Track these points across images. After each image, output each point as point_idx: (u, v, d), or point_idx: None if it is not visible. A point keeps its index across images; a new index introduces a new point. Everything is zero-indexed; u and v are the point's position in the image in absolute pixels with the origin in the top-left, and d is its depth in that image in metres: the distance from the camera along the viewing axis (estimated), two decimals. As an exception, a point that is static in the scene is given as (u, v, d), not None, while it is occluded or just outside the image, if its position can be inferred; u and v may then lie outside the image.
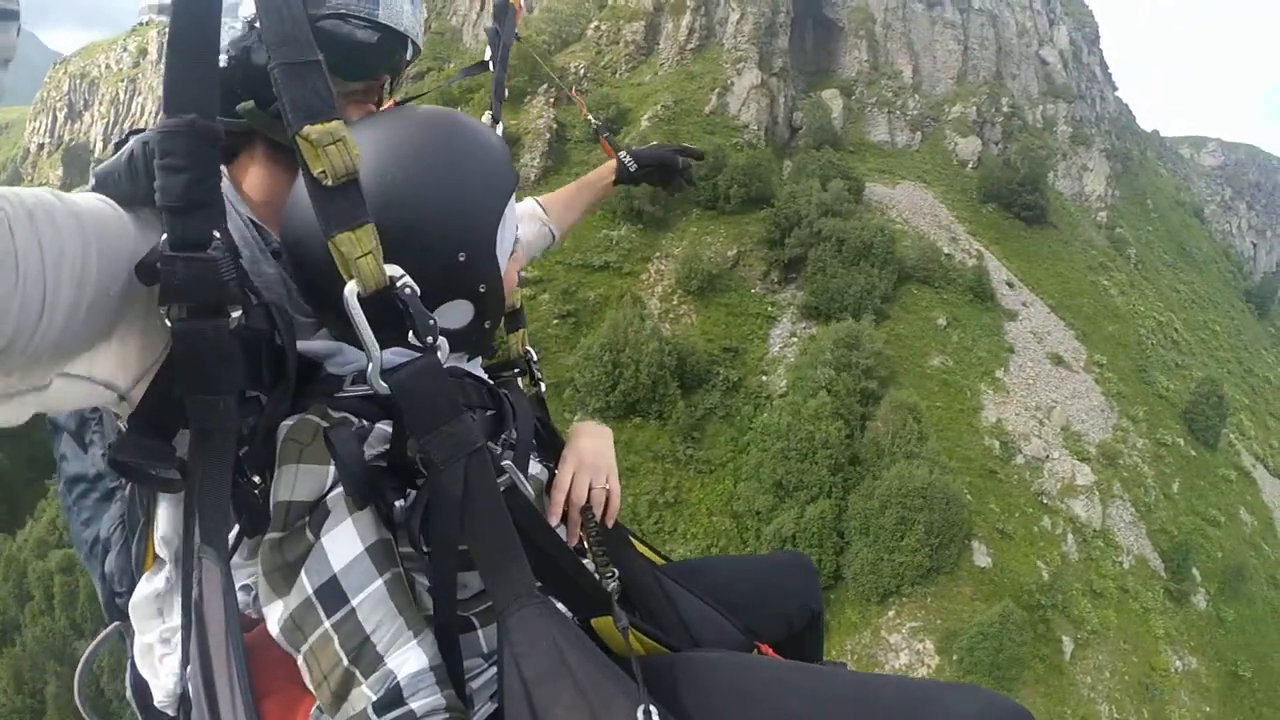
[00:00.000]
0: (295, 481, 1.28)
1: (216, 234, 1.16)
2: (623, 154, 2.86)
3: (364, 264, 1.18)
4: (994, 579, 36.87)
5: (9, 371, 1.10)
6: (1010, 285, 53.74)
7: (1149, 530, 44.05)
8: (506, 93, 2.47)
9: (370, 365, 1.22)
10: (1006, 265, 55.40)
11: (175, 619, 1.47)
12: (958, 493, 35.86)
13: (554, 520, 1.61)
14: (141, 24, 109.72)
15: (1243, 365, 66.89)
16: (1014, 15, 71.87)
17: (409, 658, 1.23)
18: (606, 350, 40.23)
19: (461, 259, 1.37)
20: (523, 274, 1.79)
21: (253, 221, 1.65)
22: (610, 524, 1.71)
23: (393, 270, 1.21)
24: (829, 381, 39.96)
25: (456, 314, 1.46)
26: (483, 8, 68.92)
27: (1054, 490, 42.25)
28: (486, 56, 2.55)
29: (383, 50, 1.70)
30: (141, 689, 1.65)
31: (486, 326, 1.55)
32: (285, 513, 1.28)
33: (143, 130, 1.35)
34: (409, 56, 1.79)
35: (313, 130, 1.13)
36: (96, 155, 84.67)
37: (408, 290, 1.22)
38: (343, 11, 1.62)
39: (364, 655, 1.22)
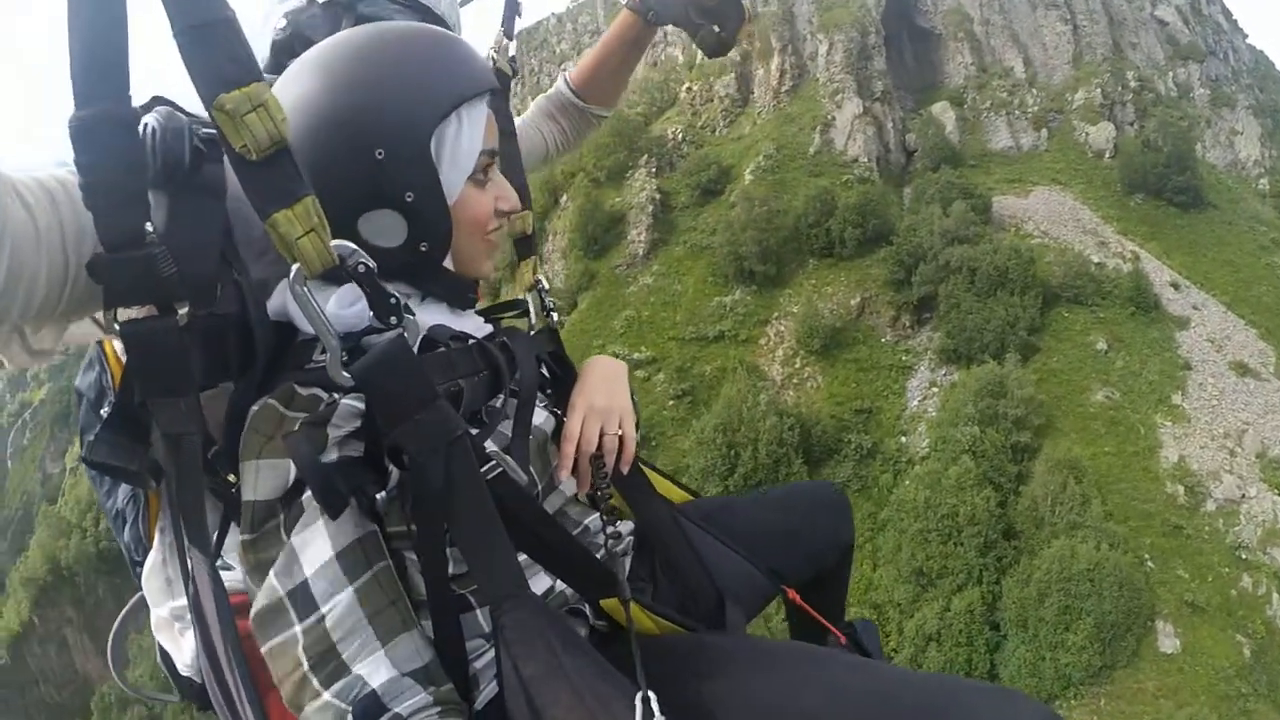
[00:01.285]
0: (257, 479, 1.14)
1: (149, 226, 1.02)
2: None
3: (305, 244, 1.05)
4: (1183, 667, 30.26)
5: (43, 325, 1.13)
6: (1176, 287, 45.98)
7: (1377, 567, 35.79)
8: (521, 8, 1.92)
9: (329, 357, 1.10)
10: (1168, 263, 47.56)
11: (183, 598, 1.35)
12: (1131, 572, 29.69)
13: (564, 473, 1.46)
14: None
15: None
16: (1121, -21, 63.07)
17: (379, 666, 1.12)
18: (720, 431, 36.71)
19: (379, 156, 1.18)
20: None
21: None
22: (625, 470, 1.54)
23: (341, 247, 1.10)
24: (972, 441, 34.58)
25: (383, 229, 1.25)
26: None
27: (1253, 539, 34.85)
28: None
29: None
30: (169, 654, 1.65)
31: (424, 249, 1.29)
32: (251, 513, 1.14)
33: (152, 108, 1.12)
34: None
35: (227, 99, 0.98)
36: None
37: (361, 268, 1.12)
38: None
39: (326, 663, 1.11)
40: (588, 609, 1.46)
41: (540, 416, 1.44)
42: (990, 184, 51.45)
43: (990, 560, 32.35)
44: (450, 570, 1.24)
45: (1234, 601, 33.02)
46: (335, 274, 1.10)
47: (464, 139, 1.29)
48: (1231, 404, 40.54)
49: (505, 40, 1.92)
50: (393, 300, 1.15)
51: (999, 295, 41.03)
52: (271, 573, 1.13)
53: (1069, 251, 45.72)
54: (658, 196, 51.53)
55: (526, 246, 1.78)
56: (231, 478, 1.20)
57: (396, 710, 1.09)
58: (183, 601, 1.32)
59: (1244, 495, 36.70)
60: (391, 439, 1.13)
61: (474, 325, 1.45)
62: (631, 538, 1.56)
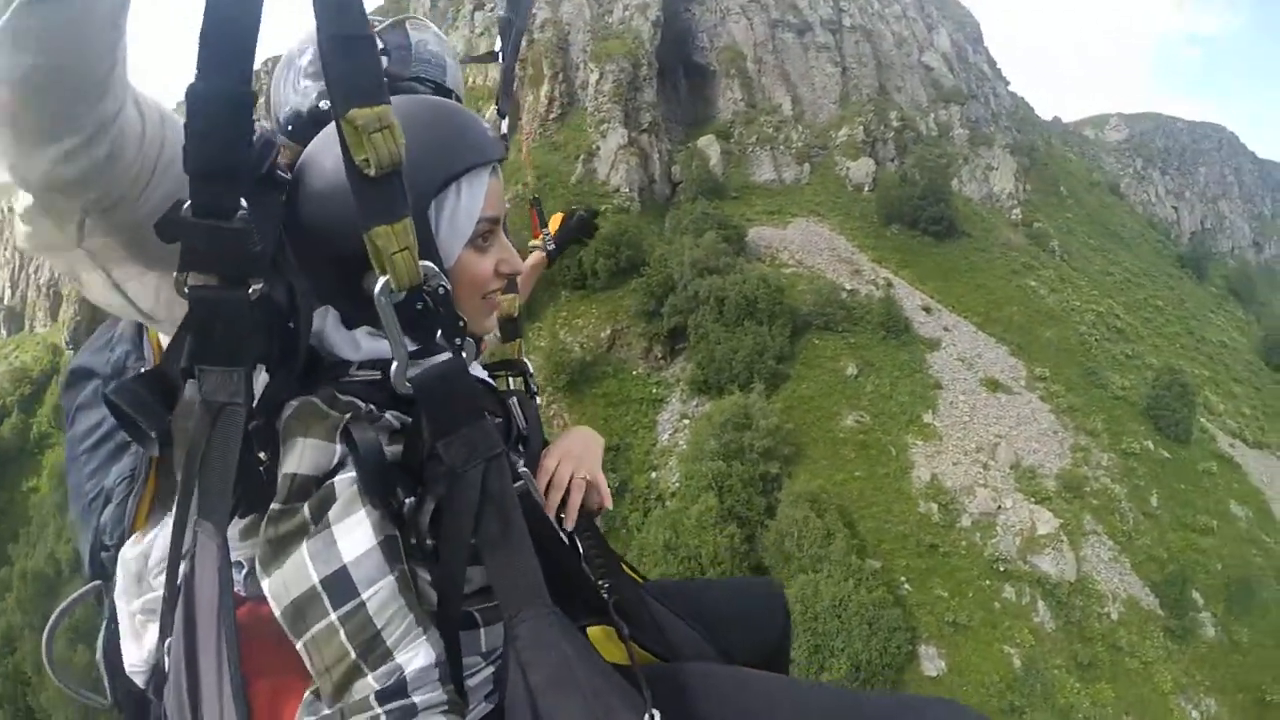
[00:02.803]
0: (302, 455, 1.15)
1: (243, 202, 1.05)
2: (546, 238, 2.83)
3: (399, 260, 1.08)
4: (951, 688, 26.99)
5: (108, 233, 1.15)
6: (927, 310, 44.38)
7: (1134, 563, 34.11)
8: (518, 85, 1.57)
9: (395, 365, 1.15)
10: (921, 289, 46.12)
11: (160, 589, 1.36)
12: (880, 609, 25.98)
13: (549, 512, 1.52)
14: None
15: (1194, 335, 57.15)
16: (889, 27, 63.59)
17: (419, 653, 1.12)
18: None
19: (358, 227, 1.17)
20: None
21: None
22: (598, 513, 1.67)
23: (425, 268, 1.14)
24: (716, 476, 30.41)
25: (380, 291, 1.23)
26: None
27: (1012, 550, 32.35)
28: (497, 46, 2.19)
29: None
30: (112, 654, 1.56)
31: (419, 308, 1.24)
32: (290, 484, 1.14)
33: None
34: None
35: (359, 114, 1.01)
36: (4, 303, 76.88)
37: (441, 290, 1.16)
38: (420, 75, 1.78)
39: (373, 650, 1.11)
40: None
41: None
42: (750, 215, 49.01)
43: (736, 603, 27.96)
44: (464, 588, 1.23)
45: (998, 614, 30.24)
46: (416, 292, 1.12)
47: (463, 207, 1.30)
48: (984, 419, 38.61)
49: (499, 119, 2.14)
50: (460, 323, 1.19)
51: (747, 325, 37.66)
52: (307, 559, 1.10)
53: (821, 280, 43.34)
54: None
55: (512, 329, 1.97)
56: (263, 455, 1.17)
57: (415, 700, 1.09)
58: (155, 594, 1.35)
59: (999, 507, 34.34)
60: (438, 448, 1.14)
61: (480, 374, 1.54)
62: (614, 595, 1.54)
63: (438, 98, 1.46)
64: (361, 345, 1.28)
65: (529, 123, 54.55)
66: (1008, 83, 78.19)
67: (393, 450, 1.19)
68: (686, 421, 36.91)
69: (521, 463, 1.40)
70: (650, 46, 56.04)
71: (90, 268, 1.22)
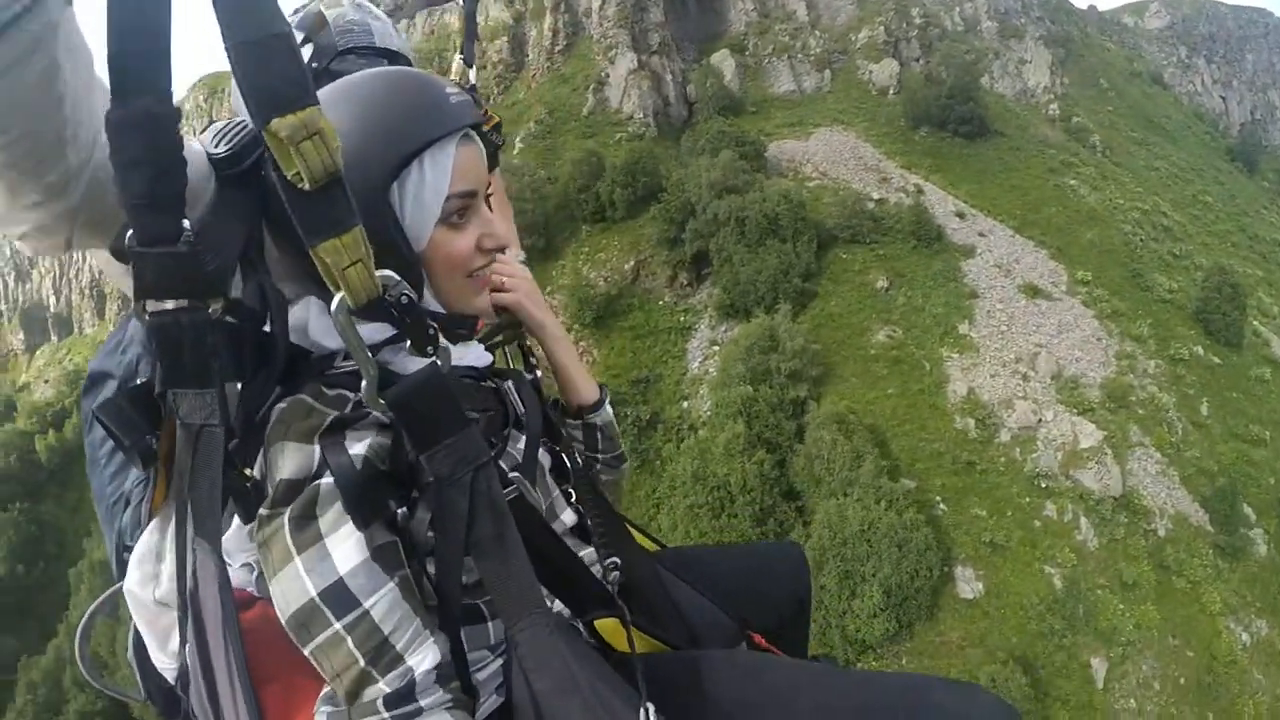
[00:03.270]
0: (283, 459, 1.11)
1: (186, 223, 0.98)
2: None
3: (353, 274, 1.02)
4: (989, 611, 26.10)
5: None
6: (961, 216, 42.07)
7: (1183, 476, 32.36)
8: (479, 31, 1.84)
9: (365, 384, 1.08)
10: (954, 193, 43.69)
11: (168, 580, 1.35)
12: (910, 531, 24.87)
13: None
14: None
15: (1246, 233, 53.27)
16: (905, -84, 59.53)
17: (428, 654, 1.11)
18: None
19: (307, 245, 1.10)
20: None
21: None
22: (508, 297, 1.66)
23: (385, 278, 1.07)
24: (745, 402, 29.40)
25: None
26: None
27: (1054, 465, 30.83)
28: None
29: None
30: (142, 649, 1.50)
31: (384, 319, 1.23)
32: (276, 490, 1.11)
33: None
34: None
35: (281, 124, 0.92)
36: (52, 310, 78.28)
37: (404, 299, 1.10)
38: (351, 48, 1.67)
39: (383, 655, 1.09)
40: (581, 628, 1.43)
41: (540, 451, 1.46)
42: (770, 129, 46.73)
43: (771, 527, 27.35)
44: (464, 580, 1.20)
45: (1038, 533, 28.98)
46: (377, 304, 1.06)
47: (428, 184, 1.22)
48: (1023, 328, 36.70)
49: (464, 68, 1.97)
50: (430, 331, 1.13)
51: (770, 244, 36.05)
52: (302, 573, 1.08)
53: (846, 191, 41.22)
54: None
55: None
56: (247, 471, 1.15)
57: (420, 703, 1.09)
58: (165, 588, 1.31)
59: (1040, 420, 32.74)
60: (420, 461, 1.11)
61: (475, 355, 1.42)
62: (619, 573, 1.49)
63: (388, 69, 1.32)
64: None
65: (535, 58, 52.52)
66: (1037, -31, 73.09)
67: (382, 443, 1.13)
68: (716, 348, 35.78)
69: (514, 458, 1.33)
70: (653, -37, 53.14)
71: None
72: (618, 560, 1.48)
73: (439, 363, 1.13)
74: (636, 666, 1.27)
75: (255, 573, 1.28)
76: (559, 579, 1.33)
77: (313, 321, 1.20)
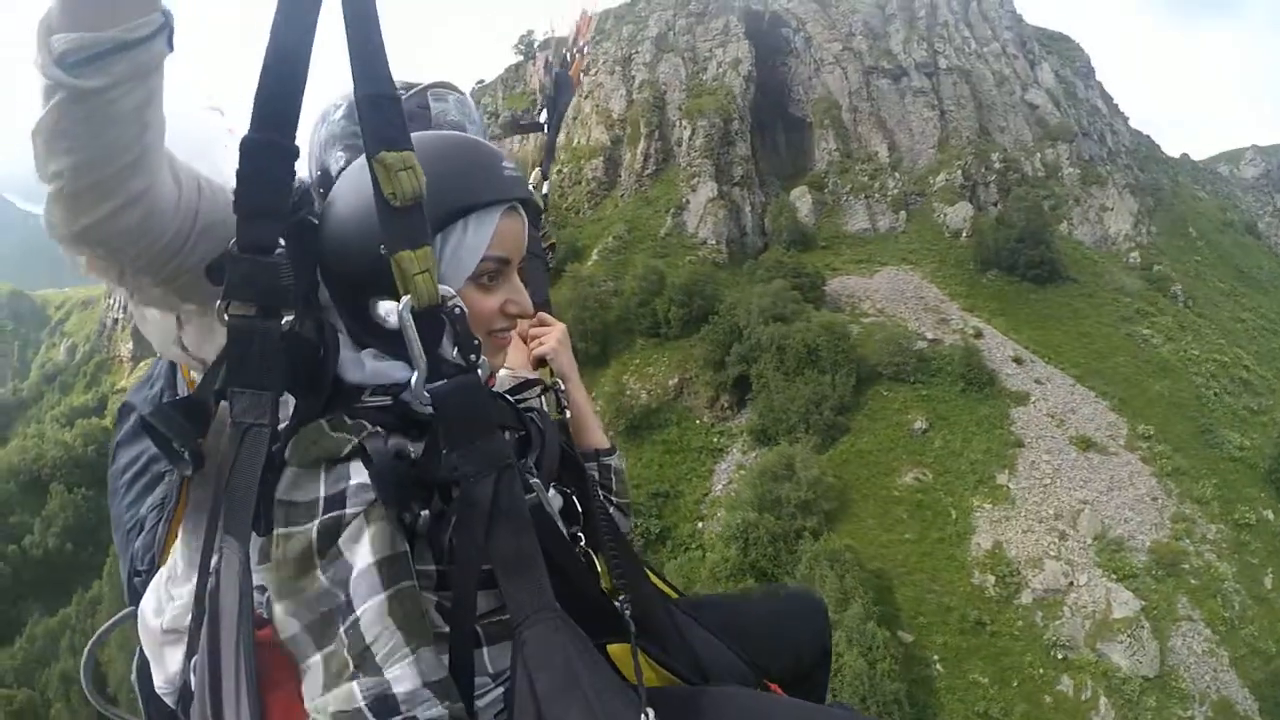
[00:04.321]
0: (300, 478, 1.17)
1: (281, 241, 1.16)
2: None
3: (420, 280, 1.14)
4: None
5: (150, 275, 1.25)
6: (1019, 361, 40.25)
7: (1234, 657, 28.74)
8: (559, 154, 2.00)
9: (415, 376, 1.17)
10: (1015, 338, 42.00)
11: (180, 607, 1.43)
12: (886, 679, 23.03)
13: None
14: None
15: None
16: (988, 66, 59.33)
17: (406, 674, 1.10)
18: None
19: (383, 252, 1.19)
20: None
21: None
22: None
23: (444, 290, 1.17)
24: (745, 527, 28.55)
25: (388, 314, 1.26)
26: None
27: (1079, 635, 28.11)
28: (542, 118, 2.44)
29: None
30: (146, 674, 1.56)
31: (438, 325, 1.28)
32: (294, 510, 1.16)
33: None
34: None
35: (388, 156, 1.11)
36: (133, 325, 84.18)
37: (457, 310, 1.19)
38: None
39: (364, 662, 1.11)
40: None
41: (552, 493, 1.48)
42: (838, 264, 46.74)
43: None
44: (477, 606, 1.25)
45: (1047, 710, 26.29)
46: (435, 311, 1.15)
47: (467, 243, 1.30)
48: (1069, 482, 34.24)
49: (541, 178, 2.25)
50: (475, 342, 1.20)
51: (808, 374, 35.49)
52: (324, 579, 1.12)
53: (899, 328, 40.26)
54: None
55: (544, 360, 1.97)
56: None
57: (414, 714, 1.08)
58: (178, 611, 1.40)
59: (1071, 583, 30.11)
60: (452, 458, 1.16)
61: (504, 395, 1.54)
62: (632, 608, 1.48)
63: (462, 135, 1.46)
64: (366, 366, 1.27)
65: (626, 179, 54.86)
66: (1126, 118, 70.97)
67: (411, 447, 1.21)
68: (743, 472, 35.09)
69: (535, 476, 1.35)
70: (743, 101, 55.14)
71: (144, 304, 1.34)
72: (634, 597, 1.49)
73: (479, 373, 1.21)
74: (642, 688, 1.27)
75: (267, 594, 1.27)
76: (573, 596, 1.31)
77: (342, 353, 1.29)
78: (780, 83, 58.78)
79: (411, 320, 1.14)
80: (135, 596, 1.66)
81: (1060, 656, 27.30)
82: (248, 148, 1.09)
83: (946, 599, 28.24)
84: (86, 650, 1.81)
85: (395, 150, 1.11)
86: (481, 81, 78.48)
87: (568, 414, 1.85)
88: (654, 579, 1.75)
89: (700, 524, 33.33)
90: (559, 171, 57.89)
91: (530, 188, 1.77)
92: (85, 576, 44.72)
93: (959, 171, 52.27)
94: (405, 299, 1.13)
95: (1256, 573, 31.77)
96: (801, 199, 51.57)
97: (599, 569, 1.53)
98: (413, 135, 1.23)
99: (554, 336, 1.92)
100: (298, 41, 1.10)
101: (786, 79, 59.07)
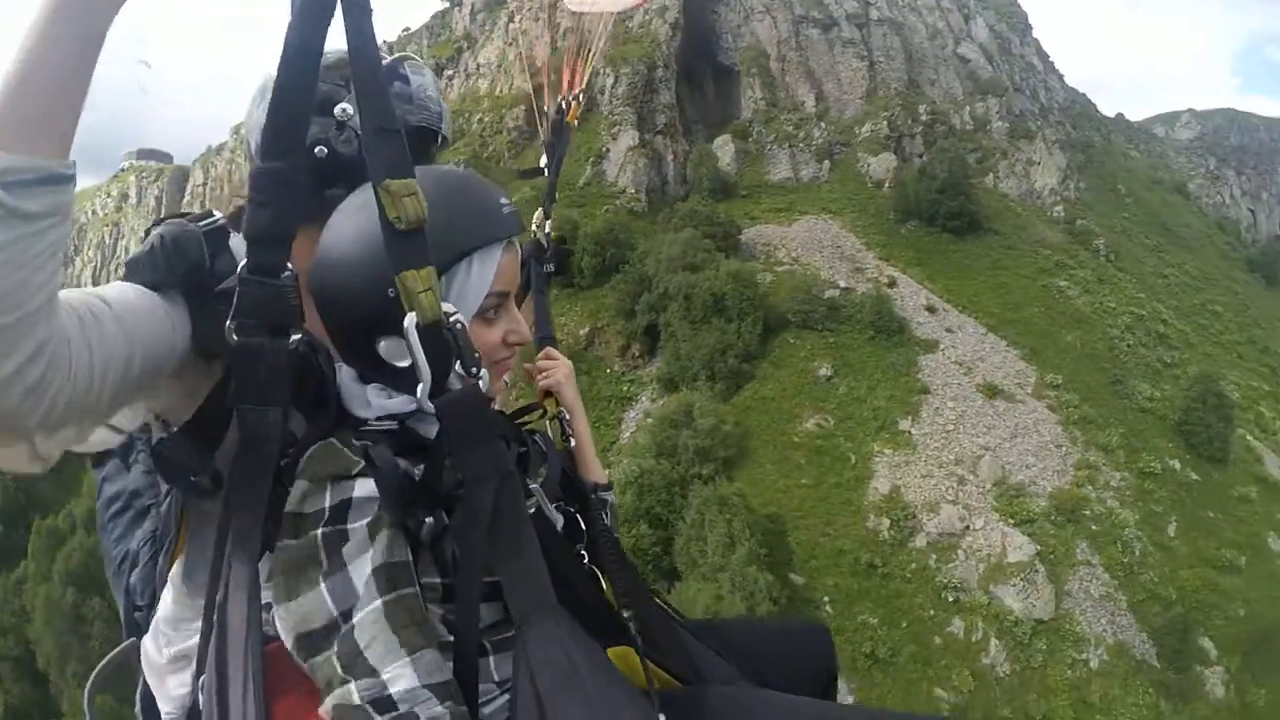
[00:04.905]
0: (307, 493, 1.21)
1: (290, 266, 1.18)
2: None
3: (424, 298, 1.15)
4: None
5: (58, 430, 1.21)
6: (931, 310, 39.71)
7: (1132, 602, 28.72)
8: (557, 197, 2.44)
9: (421, 386, 1.18)
10: (929, 287, 41.41)
11: (184, 641, 1.46)
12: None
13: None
14: (122, 170, 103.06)
15: (1256, 344, 48.78)
16: (921, 19, 58.14)
17: (402, 674, 1.13)
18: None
19: (391, 294, 1.22)
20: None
21: None
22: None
23: (447, 307, 1.19)
24: (635, 476, 27.59)
25: (396, 353, 1.30)
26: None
27: (972, 579, 27.80)
28: (543, 163, 2.55)
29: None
30: (150, 705, 1.60)
31: (441, 341, 1.31)
32: (295, 524, 1.21)
33: (163, 221, 1.42)
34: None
35: (393, 184, 1.14)
36: None
37: (459, 325, 1.20)
38: (423, 126, 1.74)
39: (355, 665, 1.13)
40: None
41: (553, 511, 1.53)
42: (756, 213, 45.54)
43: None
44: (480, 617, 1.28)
45: (935, 651, 25.96)
46: (438, 327, 1.16)
47: (472, 283, 1.34)
48: (972, 428, 33.88)
49: (544, 219, 2.29)
50: (476, 356, 1.20)
51: (714, 322, 34.43)
52: (325, 591, 1.15)
53: (810, 276, 39.35)
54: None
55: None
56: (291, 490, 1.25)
57: (416, 711, 1.11)
58: (190, 643, 1.42)
59: (967, 527, 29.80)
60: (454, 464, 1.19)
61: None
62: (635, 622, 1.50)
63: (457, 171, 1.49)
64: (372, 403, 1.30)
65: (546, 131, 52.97)
66: (1061, 75, 70.52)
67: (414, 463, 1.25)
68: (650, 420, 34.13)
69: (536, 484, 1.41)
70: (668, 49, 53.25)
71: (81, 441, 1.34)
72: (637, 610, 1.47)
73: (482, 386, 1.18)
74: (653, 690, 1.28)
75: (272, 611, 1.25)
76: (574, 601, 1.28)
77: (345, 385, 1.31)
78: (710, 30, 56.92)
79: (416, 335, 1.13)
80: (134, 629, 1.68)
81: (952, 599, 26.99)
82: (258, 175, 1.13)
83: (840, 542, 27.74)
84: (89, 683, 1.85)
85: (400, 179, 1.12)
86: (407, 29, 75.25)
87: (572, 443, 1.95)
88: (657, 602, 1.73)
89: (607, 472, 32.34)
90: (479, 120, 55.79)
91: (534, 228, 1.98)
92: (11, 559, 43.01)
93: (885, 123, 51.28)
94: (410, 315, 1.13)
95: (1159, 520, 31.76)
96: (724, 148, 50.21)
97: (603, 584, 1.51)
98: (419, 170, 1.24)
99: (560, 370, 2.03)
100: (304, 79, 1.13)
101: (716, 26, 57.21)
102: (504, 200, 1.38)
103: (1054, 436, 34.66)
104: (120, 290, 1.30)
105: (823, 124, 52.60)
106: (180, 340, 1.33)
